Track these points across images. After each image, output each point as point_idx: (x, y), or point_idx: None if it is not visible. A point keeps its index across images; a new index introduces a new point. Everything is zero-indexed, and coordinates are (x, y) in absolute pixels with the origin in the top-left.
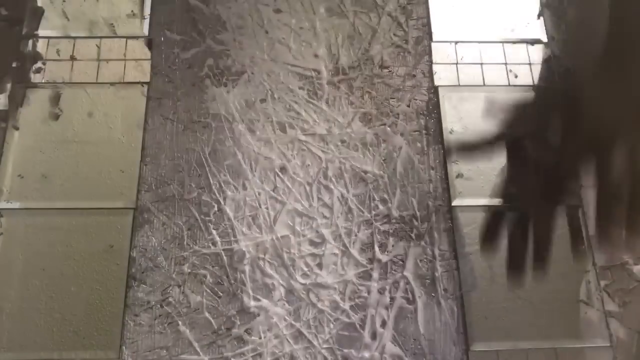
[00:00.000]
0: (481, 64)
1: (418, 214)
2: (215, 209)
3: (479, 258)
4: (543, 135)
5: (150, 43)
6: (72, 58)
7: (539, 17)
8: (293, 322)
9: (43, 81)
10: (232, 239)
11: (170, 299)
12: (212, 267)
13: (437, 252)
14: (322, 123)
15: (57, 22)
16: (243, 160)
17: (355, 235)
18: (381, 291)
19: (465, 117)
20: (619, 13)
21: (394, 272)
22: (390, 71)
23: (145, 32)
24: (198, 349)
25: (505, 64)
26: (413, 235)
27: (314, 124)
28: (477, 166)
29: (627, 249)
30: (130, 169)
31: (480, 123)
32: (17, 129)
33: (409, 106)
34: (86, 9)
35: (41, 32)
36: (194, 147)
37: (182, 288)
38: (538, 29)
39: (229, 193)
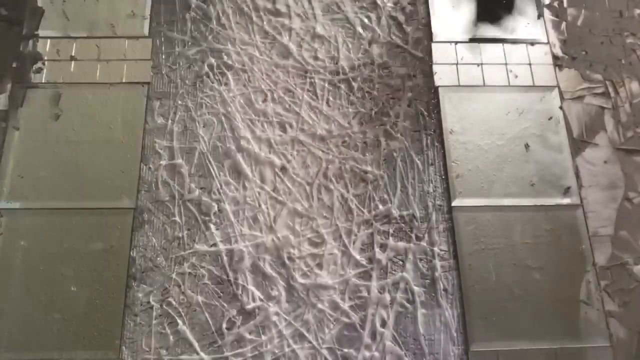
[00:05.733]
0: (481, 64)
1: (418, 214)
2: (216, 209)
3: (479, 258)
4: None
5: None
6: (72, 58)
7: (539, 18)
8: (293, 322)
9: (43, 81)
10: (232, 239)
11: (170, 299)
12: (212, 267)
13: (437, 252)
14: (322, 123)
15: (57, 23)
16: (243, 160)
17: (355, 235)
18: (381, 291)
19: (465, 117)
20: None
21: (393, 272)
22: (390, 71)
23: (146, 32)
24: (198, 349)
25: (505, 64)
26: (413, 235)
27: (314, 124)
28: (477, 166)
29: None
30: (130, 169)
31: (480, 124)
32: (17, 129)
33: (409, 106)
34: (86, 9)
35: (41, 32)
36: (194, 147)
37: (182, 288)
38: (538, 30)
39: (229, 193)
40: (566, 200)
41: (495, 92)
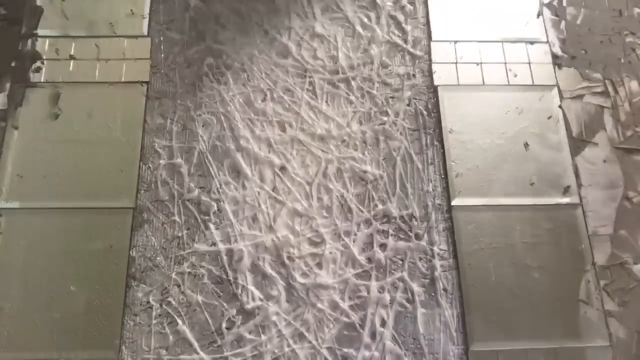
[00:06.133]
0: (481, 63)
1: (417, 213)
2: (215, 208)
3: (479, 258)
4: None
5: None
6: (72, 57)
7: (538, 17)
8: (293, 322)
9: (42, 80)
10: (232, 238)
11: (170, 299)
12: (212, 266)
13: (436, 251)
14: (322, 123)
15: (56, 22)
16: (243, 160)
17: (355, 235)
18: (381, 291)
19: (464, 116)
20: None
21: (393, 271)
22: (390, 71)
23: (145, 31)
24: (198, 349)
25: (505, 63)
26: (412, 234)
27: (313, 124)
28: (476, 165)
29: None
30: (129, 168)
31: (480, 123)
32: (16, 128)
33: (409, 106)
34: (85, 8)
35: (40, 31)
36: (193, 147)
37: (181, 288)
38: (537, 29)
39: (228, 193)
40: (566, 200)
41: (495, 91)
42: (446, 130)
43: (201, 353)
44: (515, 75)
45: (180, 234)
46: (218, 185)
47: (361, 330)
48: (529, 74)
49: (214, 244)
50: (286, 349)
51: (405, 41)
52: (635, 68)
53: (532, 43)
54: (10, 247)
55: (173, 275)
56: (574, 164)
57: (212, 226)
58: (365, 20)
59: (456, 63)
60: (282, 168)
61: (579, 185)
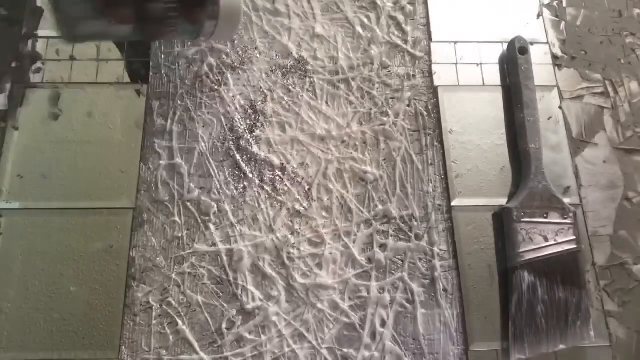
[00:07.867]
0: (481, 64)
1: (417, 213)
2: (215, 209)
3: (479, 258)
4: None
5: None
6: (72, 58)
7: (538, 17)
8: (293, 322)
9: (42, 81)
10: (232, 239)
11: (170, 299)
12: (212, 267)
13: (436, 252)
14: (322, 123)
15: None
16: (242, 160)
17: (355, 235)
18: (381, 291)
19: (464, 116)
20: None
21: (393, 272)
22: (390, 71)
23: None
24: (198, 349)
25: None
26: (412, 235)
27: (313, 124)
28: (476, 166)
29: None
30: (129, 169)
31: (480, 123)
32: (16, 129)
33: (409, 106)
34: None
35: (40, 32)
36: (193, 147)
37: (181, 288)
38: (537, 30)
39: (228, 193)
40: (566, 200)
41: (495, 92)
42: (446, 131)
43: (201, 353)
44: None
45: (180, 235)
46: (218, 186)
47: (361, 331)
48: None
49: (214, 244)
50: (286, 349)
51: (406, 42)
52: (635, 69)
53: (532, 44)
54: (10, 247)
55: (173, 276)
56: (574, 164)
57: (212, 227)
58: (365, 20)
59: (456, 64)
60: (282, 168)
61: (579, 186)
